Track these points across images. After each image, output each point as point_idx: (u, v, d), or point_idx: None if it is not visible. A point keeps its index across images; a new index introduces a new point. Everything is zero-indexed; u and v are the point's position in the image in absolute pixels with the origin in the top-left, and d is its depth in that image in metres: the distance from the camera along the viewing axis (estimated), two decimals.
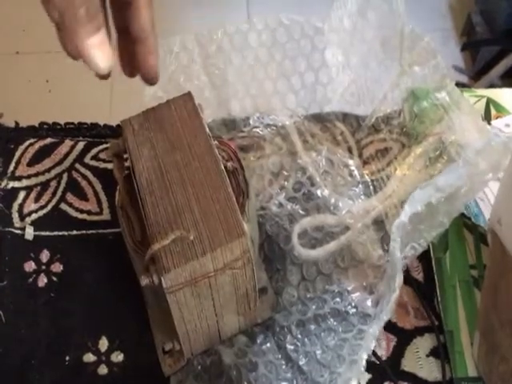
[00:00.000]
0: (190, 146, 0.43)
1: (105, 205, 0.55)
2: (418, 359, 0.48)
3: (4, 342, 0.48)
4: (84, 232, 0.54)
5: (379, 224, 0.52)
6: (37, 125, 0.60)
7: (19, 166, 0.57)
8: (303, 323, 0.47)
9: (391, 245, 0.41)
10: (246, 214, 0.42)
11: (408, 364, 0.47)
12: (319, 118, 0.59)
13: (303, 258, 0.50)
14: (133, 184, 0.42)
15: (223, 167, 0.42)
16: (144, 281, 0.38)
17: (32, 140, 0.58)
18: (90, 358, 0.48)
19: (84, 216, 0.54)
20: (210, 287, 0.40)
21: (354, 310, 0.48)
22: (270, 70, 0.57)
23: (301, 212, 0.52)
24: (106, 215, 0.54)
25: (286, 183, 0.54)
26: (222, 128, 0.57)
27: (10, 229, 0.53)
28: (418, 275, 0.51)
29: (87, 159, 0.57)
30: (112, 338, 0.48)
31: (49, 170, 0.57)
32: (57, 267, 0.52)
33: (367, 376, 0.46)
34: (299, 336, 0.47)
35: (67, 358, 0.48)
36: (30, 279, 0.51)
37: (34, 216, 0.54)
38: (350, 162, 0.56)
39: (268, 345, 0.47)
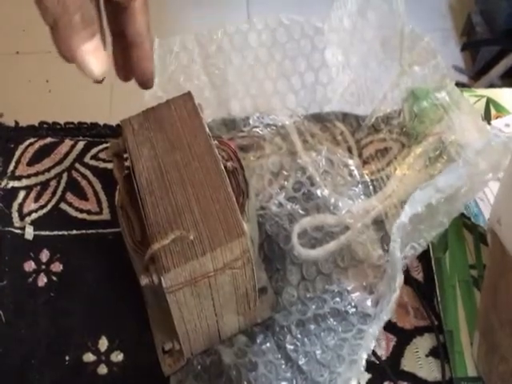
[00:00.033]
0: (189, 145, 0.43)
1: (105, 204, 0.55)
2: (418, 359, 0.48)
3: (4, 342, 0.48)
4: (84, 232, 0.54)
5: (379, 224, 0.52)
6: (37, 124, 0.60)
7: (19, 165, 0.57)
8: (303, 323, 0.47)
9: (391, 245, 0.41)
10: (245, 214, 0.42)
11: (408, 364, 0.47)
12: (319, 118, 0.59)
13: (303, 257, 0.50)
14: (133, 184, 0.42)
15: (223, 167, 0.42)
16: (144, 280, 0.38)
17: (32, 139, 0.58)
18: (89, 357, 0.48)
19: (84, 216, 0.54)
20: (209, 287, 0.40)
21: (353, 310, 0.48)
22: (270, 69, 0.57)
23: (301, 212, 0.52)
24: (105, 215, 0.54)
25: (285, 183, 0.54)
26: (221, 128, 0.57)
27: (9, 228, 0.53)
28: (418, 275, 0.51)
29: (87, 159, 0.57)
30: (112, 337, 0.48)
31: (49, 170, 0.57)
32: (57, 267, 0.52)
33: (367, 376, 0.46)
34: (299, 336, 0.47)
35: (67, 358, 0.48)
36: (30, 279, 0.51)
37: (34, 216, 0.54)
38: (350, 161, 0.56)
39: (268, 345, 0.47)
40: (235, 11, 1.66)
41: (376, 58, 0.56)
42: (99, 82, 0.39)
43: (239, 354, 0.46)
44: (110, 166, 0.56)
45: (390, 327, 0.48)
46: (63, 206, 0.55)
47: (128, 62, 0.42)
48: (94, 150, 0.58)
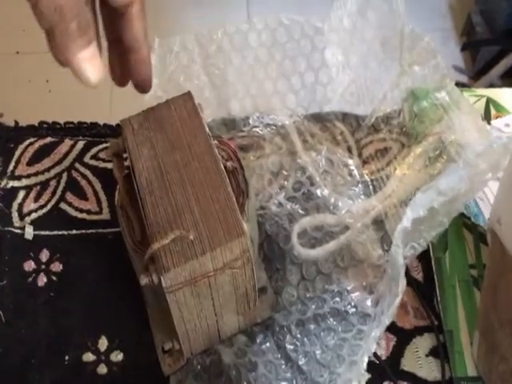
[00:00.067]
0: (189, 145, 0.43)
1: (104, 204, 0.55)
2: (418, 359, 0.48)
3: (4, 342, 0.48)
4: (84, 231, 0.54)
5: (379, 224, 0.52)
6: (37, 124, 0.60)
7: (19, 165, 0.57)
8: (303, 323, 0.47)
9: (393, 249, 0.41)
10: (245, 214, 0.42)
11: (407, 364, 0.47)
12: (319, 118, 0.59)
13: (303, 257, 0.50)
14: (132, 184, 0.42)
15: (223, 167, 0.42)
16: (143, 280, 0.38)
17: (32, 139, 0.58)
18: (89, 357, 0.48)
19: (84, 215, 0.54)
20: (209, 287, 0.40)
21: (353, 310, 0.48)
22: (270, 69, 0.57)
23: (300, 212, 0.52)
24: (105, 215, 0.54)
25: (285, 183, 0.54)
26: (221, 128, 0.57)
27: (9, 228, 0.53)
28: (418, 275, 0.51)
29: (87, 159, 0.57)
30: (111, 337, 0.48)
31: (48, 170, 0.57)
32: (56, 267, 0.52)
33: (367, 376, 0.46)
34: (299, 336, 0.47)
35: (67, 358, 0.48)
36: (30, 279, 0.51)
37: (34, 215, 0.54)
38: (350, 161, 0.56)
39: (267, 344, 0.47)
40: (235, 11, 1.66)
41: (376, 58, 0.56)
42: (94, 87, 0.39)
43: (239, 354, 0.46)
44: (109, 165, 0.56)
45: (389, 327, 0.48)
46: (63, 205, 0.55)
47: (125, 66, 0.42)
48: (93, 150, 0.58)
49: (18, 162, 0.57)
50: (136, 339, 0.48)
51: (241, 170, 0.45)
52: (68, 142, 0.58)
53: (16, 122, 0.60)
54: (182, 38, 0.54)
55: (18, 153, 0.57)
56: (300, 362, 0.46)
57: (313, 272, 0.50)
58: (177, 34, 0.54)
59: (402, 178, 0.53)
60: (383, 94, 0.56)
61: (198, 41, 0.55)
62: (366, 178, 0.55)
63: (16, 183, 0.56)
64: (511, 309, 0.39)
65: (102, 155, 0.57)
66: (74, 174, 0.56)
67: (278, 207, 0.53)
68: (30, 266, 0.52)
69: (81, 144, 0.58)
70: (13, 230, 0.53)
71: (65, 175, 0.56)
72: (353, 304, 0.48)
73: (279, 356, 0.46)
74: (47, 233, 0.53)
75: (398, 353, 0.48)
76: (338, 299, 0.48)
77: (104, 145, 0.58)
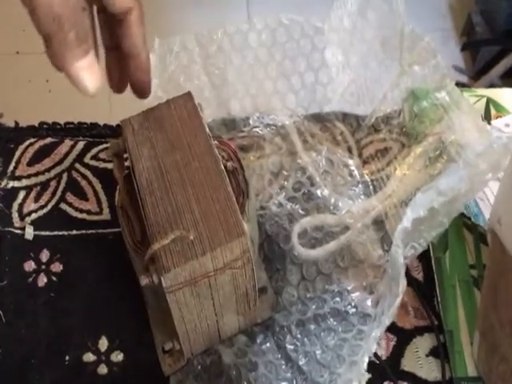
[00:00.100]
0: (189, 145, 0.43)
1: (105, 204, 0.55)
2: (418, 359, 0.48)
3: (4, 342, 0.48)
4: (84, 232, 0.54)
5: (379, 224, 0.52)
6: (37, 125, 0.60)
7: (19, 165, 0.57)
8: (303, 323, 0.47)
9: (393, 250, 0.41)
10: (245, 214, 0.42)
11: (408, 364, 0.47)
12: (319, 118, 0.59)
13: (303, 257, 0.50)
14: (133, 184, 0.42)
15: (223, 167, 0.42)
16: (144, 280, 0.38)
17: (32, 140, 0.58)
18: (89, 357, 0.48)
19: (84, 216, 0.54)
20: (209, 287, 0.40)
21: (353, 310, 0.48)
22: (270, 69, 0.57)
23: (301, 212, 0.52)
24: (105, 215, 0.54)
25: (285, 183, 0.54)
26: (221, 128, 0.57)
27: (9, 228, 0.53)
28: (418, 275, 0.51)
29: (87, 159, 0.57)
30: (112, 337, 0.48)
31: (49, 170, 0.57)
32: (57, 267, 0.52)
33: (367, 376, 0.46)
34: (299, 336, 0.47)
35: (67, 358, 0.48)
36: (30, 279, 0.51)
37: (34, 216, 0.54)
38: (350, 161, 0.56)
39: (268, 345, 0.47)
40: (235, 11, 1.66)
41: (376, 58, 0.56)
42: (91, 96, 0.39)
43: (239, 354, 0.46)
44: (110, 166, 0.56)
45: (390, 327, 0.48)
46: (63, 206, 0.55)
47: (124, 73, 0.42)
48: (94, 150, 0.58)
49: (18, 162, 0.57)
50: (136, 339, 0.48)
51: (241, 170, 0.45)
52: (68, 143, 0.58)
53: (16, 123, 0.60)
54: (182, 38, 0.54)
55: (18, 153, 0.57)
56: (300, 362, 0.46)
57: (313, 272, 0.50)
58: (177, 34, 0.54)
59: (402, 178, 0.53)
60: (383, 94, 0.56)
61: (198, 41, 0.55)
62: (366, 178, 0.55)
63: (16, 183, 0.56)
64: (511, 309, 0.39)
65: (102, 155, 0.57)
66: (75, 174, 0.56)
67: (279, 207, 0.53)
68: (30, 266, 0.52)
69: (81, 144, 0.58)
70: (13, 230, 0.53)
71: (65, 175, 0.56)
72: (353, 304, 0.48)
73: (279, 356, 0.46)
74: (47, 233, 0.53)
75: (398, 353, 0.48)
76: (338, 299, 0.48)
77: (104, 145, 0.58)
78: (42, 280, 0.51)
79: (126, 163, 0.45)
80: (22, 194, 0.55)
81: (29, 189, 0.55)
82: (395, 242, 0.41)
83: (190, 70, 0.55)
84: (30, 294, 0.50)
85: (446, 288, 0.50)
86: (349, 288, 0.49)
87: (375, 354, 0.47)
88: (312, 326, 0.47)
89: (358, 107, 0.58)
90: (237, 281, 0.41)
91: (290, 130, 0.57)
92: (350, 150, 0.57)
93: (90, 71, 0.36)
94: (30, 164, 0.57)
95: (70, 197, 0.55)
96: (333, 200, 0.53)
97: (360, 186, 0.54)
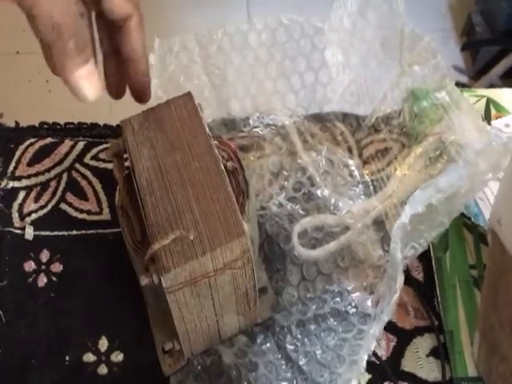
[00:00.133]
0: (189, 145, 0.43)
1: (105, 205, 0.55)
2: (418, 359, 0.48)
3: (4, 342, 0.48)
4: (84, 232, 0.54)
5: (379, 224, 0.52)
6: (37, 125, 0.60)
7: (19, 165, 0.57)
8: (303, 323, 0.47)
9: (392, 246, 0.41)
10: (245, 214, 0.42)
11: (408, 364, 0.47)
12: (319, 118, 0.59)
13: (303, 257, 0.50)
14: (133, 184, 0.42)
15: (223, 167, 0.42)
16: (144, 280, 0.38)
17: (32, 140, 0.58)
18: (89, 357, 0.48)
19: (84, 216, 0.54)
20: (209, 287, 0.40)
21: (353, 310, 0.48)
22: (270, 69, 0.57)
23: (301, 212, 0.52)
24: (105, 215, 0.54)
25: (285, 183, 0.54)
26: (221, 128, 0.57)
27: (9, 229, 0.53)
28: (418, 275, 0.51)
29: (87, 159, 0.57)
30: (112, 337, 0.48)
31: (49, 170, 0.57)
32: (57, 267, 0.52)
33: (367, 376, 0.46)
34: (299, 336, 0.47)
35: (67, 358, 0.48)
36: (30, 279, 0.51)
37: (34, 216, 0.54)
38: (350, 161, 0.56)
39: (268, 345, 0.47)
40: (235, 11, 1.66)
41: (376, 57, 0.56)
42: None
43: (239, 354, 0.46)
44: (110, 166, 0.56)
45: (390, 327, 0.48)
46: (63, 206, 0.55)
47: (123, 78, 0.42)
48: (94, 151, 0.58)
49: (18, 162, 0.57)
50: (136, 339, 0.48)
51: (241, 171, 0.45)
52: (68, 143, 0.58)
53: (16, 123, 0.60)
54: (182, 38, 0.54)
55: (18, 153, 0.57)
56: (300, 363, 0.46)
57: (313, 272, 0.50)
58: (177, 34, 0.54)
59: (402, 179, 0.53)
60: (383, 94, 0.56)
61: (198, 41, 0.55)
62: (367, 178, 0.55)
63: (16, 184, 0.56)
64: (511, 309, 0.39)
65: (102, 156, 0.57)
66: (75, 174, 0.56)
67: (279, 207, 0.53)
68: (30, 266, 0.52)
69: (81, 144, 0.58)
70: (13, 230, 0.53)
71: (65, 176, 0.56)
72: (353, 304, 0.48)
73: (280, 356, 0.46)
74: (47, 233, 0.53)
75: (398, 353, 0.48)
76: (338, 299, 0.48)
77: (104, 145, 0.58)
78: (42, 280, 0.51)
79: (126, 163, 0.45)
80: (22, 194, 0.55)
81: (29, 189, 0.55)
82: (393, 238, 0.41)
83: (189, 70, 0.55)
84: (30, 294, 0.50)
85: (447, 288, 0.50)
86: (349, 288, 0.49)
87: (375, 355, 0.47)
88: (312, 326, 0.47)
89: (358, 107, 0.58)
90: (237, 281, 0.41)
91: (290, 130, 0.57)
92: (350, 150, 0.57)
93: (89, 80, 0.36)
94: (30, 164, 0.57)
95: (70, 197, 0.55)
96: (333, 200, 0.53)
97: (360, 186, 0.54)
